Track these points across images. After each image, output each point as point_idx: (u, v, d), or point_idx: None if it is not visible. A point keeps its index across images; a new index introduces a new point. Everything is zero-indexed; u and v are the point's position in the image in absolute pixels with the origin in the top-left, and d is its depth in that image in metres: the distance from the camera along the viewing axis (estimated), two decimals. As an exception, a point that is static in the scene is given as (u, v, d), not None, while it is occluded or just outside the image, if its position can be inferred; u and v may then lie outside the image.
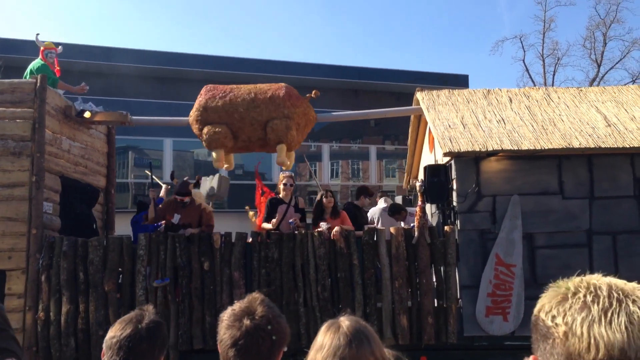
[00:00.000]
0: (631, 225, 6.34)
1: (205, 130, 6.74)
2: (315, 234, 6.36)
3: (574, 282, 1.04)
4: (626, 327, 0.93)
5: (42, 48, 7.86)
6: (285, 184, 7.02)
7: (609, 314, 0.95)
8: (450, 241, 6.32)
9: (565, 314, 0.99)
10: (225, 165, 6.97)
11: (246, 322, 1.61)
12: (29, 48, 10.75)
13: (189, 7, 46.48)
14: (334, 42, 50.78)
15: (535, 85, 22.97)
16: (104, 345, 1.85)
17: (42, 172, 6.36)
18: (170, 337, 6.04)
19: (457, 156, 6.42)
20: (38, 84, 6.51)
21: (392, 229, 6.46)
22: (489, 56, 46.28)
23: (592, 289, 1.00)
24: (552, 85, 22.97)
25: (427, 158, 8.36)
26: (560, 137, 6.45)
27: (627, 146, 6.26)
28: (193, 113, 6.87)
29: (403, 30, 49.38)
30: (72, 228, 6.88)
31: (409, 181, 9.58)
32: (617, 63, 24.51)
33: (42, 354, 6.09)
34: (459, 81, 19.98)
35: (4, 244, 6.20)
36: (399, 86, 19.60)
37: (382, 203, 8.04)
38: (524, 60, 25.11)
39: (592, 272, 1.07)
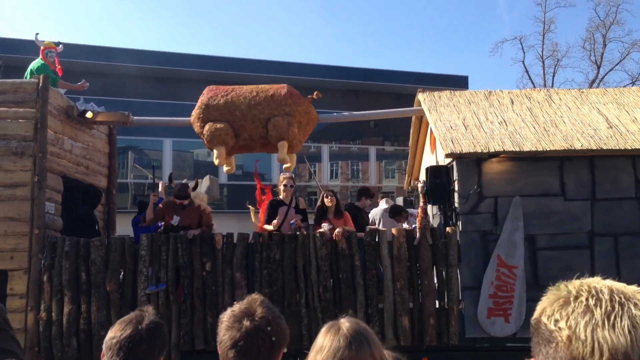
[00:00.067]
0: (633, 227, 6.33)
1: (206, 127, 6.70)
2: (317, 234, 6.35)
3: (574, 285, 1.03)
4: (629, 331, 0.93)
5: (42, 47, 7.86)
6: (285, 185, 6.98)
7: (612, 318, 0.95)
8: (452, 242, 6.31)
9: (568, 318, 0.98)
10: (227, 168, 6.90)
11: (246, 323, 1.61)
12: (29, 48, 10.74)
13: (189, 7, 46.61)
14: (334, 43, 50.86)
15: (535, 87, 22.95)
16: (103, 346, 1.85)
17: (44, 172, 6.36)
18: (171, 337, 6.05)
19: (458, 157, 6.41)
20: (40, 84, 6.52)
21: (393, 230, 6.45)
22: (489, 57, 46.25)
23: (593, 292, 1.00)
24: (552, 87, 22.94)
25: (429, 159, 8.35)
26: (562, 138, 6.44)
27: (629, 148, 6.26)
28: (195, 111, 6.86)
29: (403, 31, 49.45)
30: (74, 228, 6.88)
31: (410, 182, 9.57)
32: (616, 64, 24.42)
33: (44, 355, 6.09)
34: (458, 82, 19.98)
35: (6, 244, 6.20)
36: (399, 87, 19.60)
37: (383, 204, 8.04)
38: (523, 62, 25.03)
39: (593, 274, 1.07)
